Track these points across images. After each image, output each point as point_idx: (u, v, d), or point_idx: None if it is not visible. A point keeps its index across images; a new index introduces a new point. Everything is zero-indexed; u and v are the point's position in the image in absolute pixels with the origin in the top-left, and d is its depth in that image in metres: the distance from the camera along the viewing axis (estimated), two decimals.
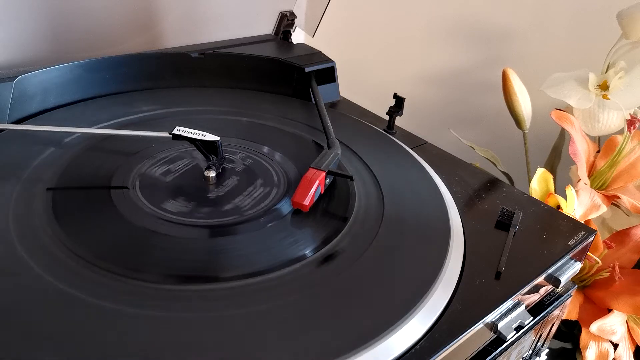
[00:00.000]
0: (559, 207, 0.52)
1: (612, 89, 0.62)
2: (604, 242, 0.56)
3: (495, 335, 0.37)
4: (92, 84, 0.56)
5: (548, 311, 0.43)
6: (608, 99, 0.61)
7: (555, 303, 0.44)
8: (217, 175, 0.44)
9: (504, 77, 0.64)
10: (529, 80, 0.66)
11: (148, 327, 0.30)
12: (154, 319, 0.31)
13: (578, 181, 0.58)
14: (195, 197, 0.42)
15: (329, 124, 0.51)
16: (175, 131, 0.43)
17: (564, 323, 0.61)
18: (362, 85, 0.78)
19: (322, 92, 0.59)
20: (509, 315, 0.36)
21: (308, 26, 0.73)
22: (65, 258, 0.34)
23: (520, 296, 0.37)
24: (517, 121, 0.66)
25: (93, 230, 0.37)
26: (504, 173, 0.68)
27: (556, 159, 0.72)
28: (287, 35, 0.73)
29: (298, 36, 0.74)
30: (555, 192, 0.53)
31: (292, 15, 0.71)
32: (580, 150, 0.59)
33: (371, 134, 0.55)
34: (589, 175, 0.62)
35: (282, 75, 0.63)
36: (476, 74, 0.88)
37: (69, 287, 0.32)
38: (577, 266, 0.42)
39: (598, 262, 0.56)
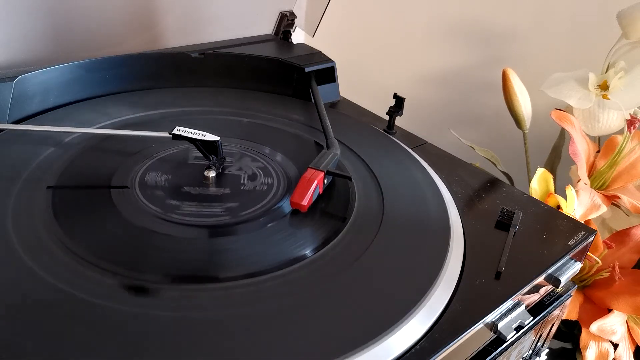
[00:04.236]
0: (559, 207, 0.52)
1: (612, 89, 0.62)
2: (604, 242, 0.56)
3: (495, 335, 0.37)
4: (92, 84, 0.56)
5: (548, 311, 0.43)
6: (608, 99, 0.61)
7: (555, 303, 0.44)
8: (217, 175, 0.44)
9: (504, 77, 0.64)
10: (529, 80, 0.66)
11: (148, 326, 0.30)
12: (153, 319, 0.31)
13: (578, 181, 0.58)
14: (195, 197, 0.42)
15: (328, 124, 0.51)
16: (175, 131, 0.43)
17: (564, 323, 0.61)
18: (362, 85, 0.78)
19: (322, 92, 0.59)
20: (509, 315, 0.36)
21: (308, 26, 0.73)
22: (65, 258, 0.34)
23: (520, 296, 0.37)
24: (517, 121, 0.66)
25: (93, 230, 0.37)
26: (504, 173, 0.68)
27: (556, 159, 0.72)
28: (287, 35, 0.73)
29: (298, 36, 0.74)
30: (555, 192, 0.53)
31: (292, 15, 0.71)
32: (580, 150, 0.59)
33: (371, 134, 0.55)
34: (589, 175, 0.62)
35: (282, 75, 0.63)
36: (476, 74, 0.88)
37: (69, 286, 0.32)
38: (577, 266, 0.42)
39: (598, 262, 0.56)
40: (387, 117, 0.57)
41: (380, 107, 0.60)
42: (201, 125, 0.45)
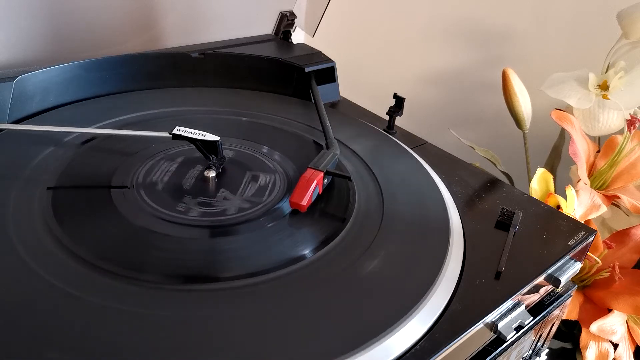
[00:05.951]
0: (559, 207, 0.52)
1: (612, 89, 0.61)
2: (604, 242, 0.56)
3: (495, 335, 0.37)
4: (92, 84, 0.56)
5: (548, 311, 0.43)
6: (608, 99, 0.61)
7: (555, 303, 0.44)
8: (217, 175, 0.44)
9: (504, 77, 0.64)
10: (529, 80, 0.66)
11: (148, 327, 0.30)
12: (154, 319, 0.31)
13: (578, 181, 0.58)
14: (195, 197, 0.42)
15: (328, 124, 0.51)
16: (175, 131, 0.43)
17: (564, 323, 0.61)
18: (362, 85, 0.78)
19: (322, 92, 0.59)
20: (509, 315, 0.36)
21: (308, 26, 0.73)
22: (65, 258, 0.34)
23: (520, 296, 0.37)
24: (517, 121, 0.66)
25: (93, 230, 0.37)
26: (504, 173, 0.68)
27: (556, 159, 0.72)
28: (287, 35, 0.73)
29: (298, 36, 0.74)
30: (555, 192, 0.53)
31: (292, 15, 0.71)
32: (580, 150, 0.59)
33: (371, 134, 0.55)
34: (589, 175, 0.62)
35: (282, 75, 0.63)
36: (476, 74, 0.88)
37: (69, 286, 0.32)
38: (577, 266, 0.42)
39: (598, 262, 0.56)
40: (387, 117, 0.57)
41: (380, 107, 0.60)
42: (201, 125, 0.45)
